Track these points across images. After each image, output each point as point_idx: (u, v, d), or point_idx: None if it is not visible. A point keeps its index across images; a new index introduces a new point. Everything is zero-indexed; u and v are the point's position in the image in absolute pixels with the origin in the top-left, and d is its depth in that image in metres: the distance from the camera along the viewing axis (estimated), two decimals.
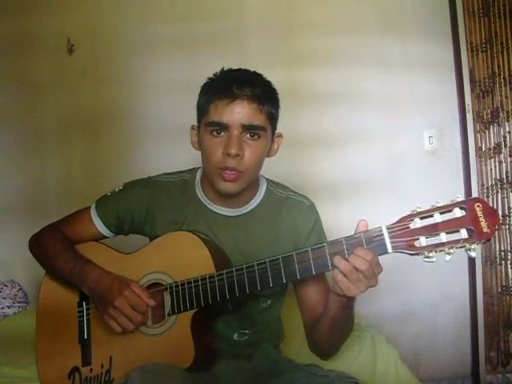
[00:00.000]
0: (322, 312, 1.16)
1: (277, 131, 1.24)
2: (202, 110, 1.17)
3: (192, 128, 1.25)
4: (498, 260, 2.27)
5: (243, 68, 1.20)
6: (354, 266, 0.95)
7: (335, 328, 1.13)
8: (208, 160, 1.16)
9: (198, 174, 1.30)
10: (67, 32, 2.26)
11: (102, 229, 1.29)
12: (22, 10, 2.26)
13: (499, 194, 2.26)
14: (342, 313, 1.07)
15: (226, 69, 1.20)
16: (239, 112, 1.11)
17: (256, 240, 1.23)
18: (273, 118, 1.18)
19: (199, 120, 1.20)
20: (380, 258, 0.98)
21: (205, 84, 1.20)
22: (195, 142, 1.24)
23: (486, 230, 0.90)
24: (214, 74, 1.20)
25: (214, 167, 1.14)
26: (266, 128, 1.15)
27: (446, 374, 2.33)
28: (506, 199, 2.26)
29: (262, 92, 1.14)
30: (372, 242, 0.96)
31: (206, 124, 1.15)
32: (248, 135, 1.14)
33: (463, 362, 2.34)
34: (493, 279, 2.28)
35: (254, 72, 1.20)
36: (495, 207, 2.25)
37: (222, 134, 1.13)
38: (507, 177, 2.25)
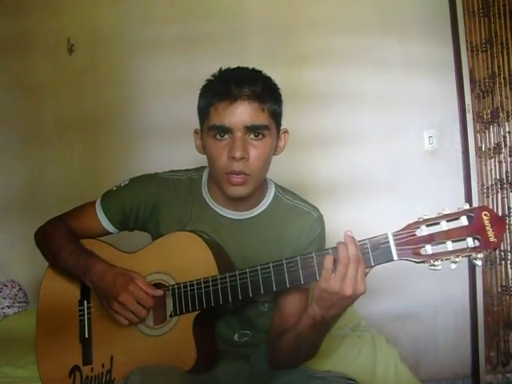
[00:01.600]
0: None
1: (282, 127, 1.21)
2: (203, 113, 1.15)
3: (195, 132, 1.23)
4: (497, 260, 2.27)
5: (242, 66, 1.18)
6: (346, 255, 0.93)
7: (296, 345, 1.11)
8: (214, 165, 1.14)
9: (205, 174, 1.28)
10: (67, 32, 2.25)
11: (106, 224, 1.28)
12: (22, 9, 2.25)
13: (499, 194, 2.26)
14: (308, 332, 1.06)
15: (224, 69, 1.17)
16: (241, 113, 1.08)
17: (258, 245, 1.22)
18: (276, 115, 1.15)
19: (201, 124, 1.18)
20: None
21: (204, 86, 1.18)
22: (199, 146, 1.21)
23: (493, 239, 0.89)
24: (213, 75, 1.17)
25: (221, 172, 1.12)
26: (269, 127, 1.12)
27: (446, 375, 2.33)
28: (506, 199, 2.25)
29: (262, 90, 1.11)
30: (378, 248, 0.95)
31: (208, 128, 1.12)
32: (252, 136, 1.11)
33: (463, 362, 2.34)
34: (493, 279, 2.28)
35: (253, 69, 1.17)
36: (495, 207, 2.25)
37: (226, 136, 1.11)
38: (507, 177, 2.25)
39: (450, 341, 2.33)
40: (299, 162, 2.24)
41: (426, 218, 0.93)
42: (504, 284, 2.27)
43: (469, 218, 0.91)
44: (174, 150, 2.18)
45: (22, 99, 2.28)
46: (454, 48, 2.29)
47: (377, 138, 2.30)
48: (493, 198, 2.26)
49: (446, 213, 0.92)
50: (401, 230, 0.94)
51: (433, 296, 2.31)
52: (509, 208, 2.25)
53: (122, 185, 1.29)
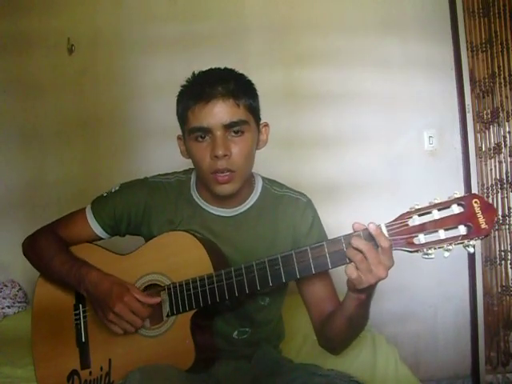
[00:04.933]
0: (335, 309, 1.16)
1: (262, 121, 1.22)
2: (182, 118, 1.17)
3: (178, 138, 1.25)
4: (497, 260, 2.27)
5: (219, 67, 1.20)
6: (357, 248, 0.95)
7: (351, 326, 1.12)
8: (199, 166, 1.16)
9: (193, 176, 1.29)
10: (67, 32, 2.26)
11: (97, 230, 1.29)
12: (22, 9, 2.26)
13: (499, 194, 2.26)
14: (358, 312, 1.07)
15: (197, 72, 1.19)
16: (217, 112, 1.10)
17: (254, 239, 1.22)
18: (253, 110, 1.17)
19: (182, 129, 1.20)
20: None
21: (179, 92, 1.20)
22: (184, 151, 1.23)
23: (484, 225, 0.90)
24: (187, 81, 1.19)
25: (206, 172, 1.14)
26: (248, 121, 1.14)
27: (446, 374, 2.33)
28: (506, 199, 2.25)
29: (235, 87, 1.12)
30: (371, 239, 0.96)
31: (189, 131, 1.14)
32: (232, 133, 1.13)
33: (463, 361, 2.34)
34: (493, 279, 2.28)
35: (226, 68, 1.19)
36: (495, 207, 2.24)
37: (206, 137, 1.13)
38: (507, 177, 2.25)
39: (450, 340, 2.33)
40: (299, 162, 2.25)
41: (417, 207, 0.95)
42: (504, 284, 2.27)
43: (460, 206, 0.92)
44: (173, 150, 2.15)
45: (21, 99, 2.28)
46: (453, 48, 2.29)
47: (377, 138, 2.30)
48: (493, 198, 2.25)
49: (437, 202, 0.94)
50: (394, 221, 0.96)
51: (433, 295, 2.31)
52: (509, 208, 2.25)
53: (113, 190, 1.30)
